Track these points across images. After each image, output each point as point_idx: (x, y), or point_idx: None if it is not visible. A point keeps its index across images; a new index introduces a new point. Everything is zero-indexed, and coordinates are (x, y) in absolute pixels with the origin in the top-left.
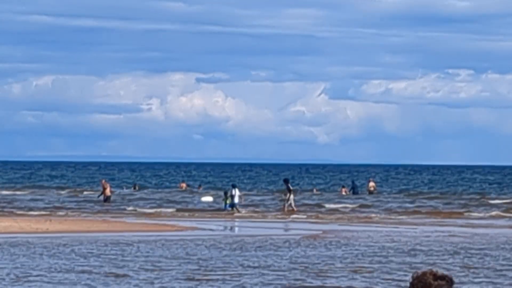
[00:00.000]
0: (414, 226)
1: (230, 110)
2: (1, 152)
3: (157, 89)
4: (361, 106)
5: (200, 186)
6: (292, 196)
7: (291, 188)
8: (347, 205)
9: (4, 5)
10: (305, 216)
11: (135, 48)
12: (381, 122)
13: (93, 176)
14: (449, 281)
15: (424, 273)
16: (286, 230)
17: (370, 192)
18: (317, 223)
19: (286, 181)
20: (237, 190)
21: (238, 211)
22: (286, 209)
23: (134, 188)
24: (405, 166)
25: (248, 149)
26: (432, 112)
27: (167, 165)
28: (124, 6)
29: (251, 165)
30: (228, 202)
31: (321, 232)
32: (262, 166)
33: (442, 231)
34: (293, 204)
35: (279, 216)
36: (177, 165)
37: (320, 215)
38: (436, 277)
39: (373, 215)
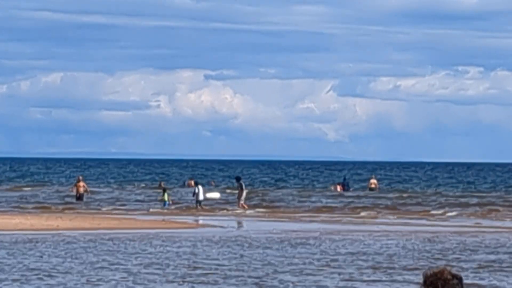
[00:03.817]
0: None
1: (238, 107)
2: (10, 148)
3: (165, 86)
4: (370, 103)
5: (213, 181)
6: (244, 193)
7: (243, 185)
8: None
9: (13, 2)
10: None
11: (143, 45)
12: (389, 119)
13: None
14: (460, 279)
15: (442, 271)
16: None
17: (371, 189)
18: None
19: (238, 179)
20: (200, 187)
21: (202, 208)
22: (243, 204)
23: (160, 186)
24: (413, 164)
25: (257, 146)
26: (441, 109)
27: (176, 161)
28: (133, 3)
29: (259, 162)
30: (166, 199)
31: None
32: (270, 163)
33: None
34: (241, 201)
35: (237, 212)
36: (186, 162)
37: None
38: (451, 274)
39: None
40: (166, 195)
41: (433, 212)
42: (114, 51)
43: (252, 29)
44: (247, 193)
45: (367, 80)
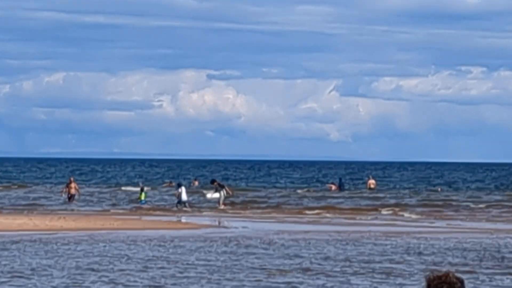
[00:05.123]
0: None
1: (241, 107)
2: (13, 148)
3: (168, 86)
4: (373, 103)
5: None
6: (223, 193)
7: (222, 185)
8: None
9: (16, 1)
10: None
11: (146, 45)
12: (392, 119)
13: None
14: (462, 282)
15: (446, 274)
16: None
17: (370, 189)
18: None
19: (213, 181)
20: (183, 188)
21: (182, 209)
22: (223, 204)
23: (169, 185)
24: (415, 164)
25: (260, 146)
26: (444, 109)
27: (179, 161)
28: (136, 2)
29: (262, 162)
30: (143, 198)
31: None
32: (273, 163)
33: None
34: (221, 201)
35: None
36: (188, 162)
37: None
38: (455, 277)
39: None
40: (143, 194)
41: (383, 212)
42: (116, 51)
43: (255, 29)
44: (225, 194)
45: (369, 80)
